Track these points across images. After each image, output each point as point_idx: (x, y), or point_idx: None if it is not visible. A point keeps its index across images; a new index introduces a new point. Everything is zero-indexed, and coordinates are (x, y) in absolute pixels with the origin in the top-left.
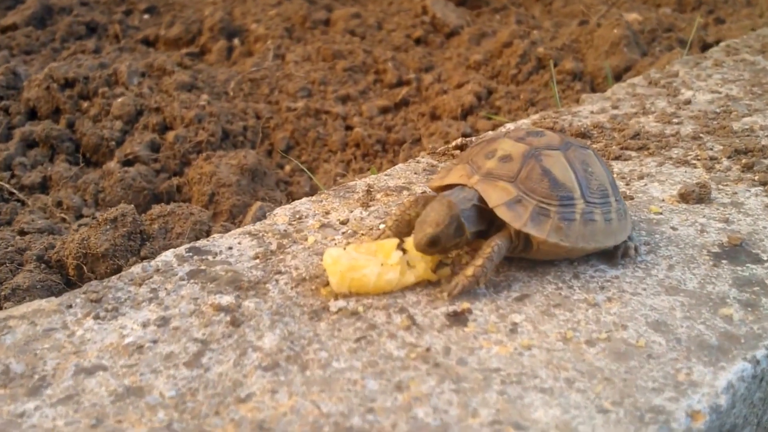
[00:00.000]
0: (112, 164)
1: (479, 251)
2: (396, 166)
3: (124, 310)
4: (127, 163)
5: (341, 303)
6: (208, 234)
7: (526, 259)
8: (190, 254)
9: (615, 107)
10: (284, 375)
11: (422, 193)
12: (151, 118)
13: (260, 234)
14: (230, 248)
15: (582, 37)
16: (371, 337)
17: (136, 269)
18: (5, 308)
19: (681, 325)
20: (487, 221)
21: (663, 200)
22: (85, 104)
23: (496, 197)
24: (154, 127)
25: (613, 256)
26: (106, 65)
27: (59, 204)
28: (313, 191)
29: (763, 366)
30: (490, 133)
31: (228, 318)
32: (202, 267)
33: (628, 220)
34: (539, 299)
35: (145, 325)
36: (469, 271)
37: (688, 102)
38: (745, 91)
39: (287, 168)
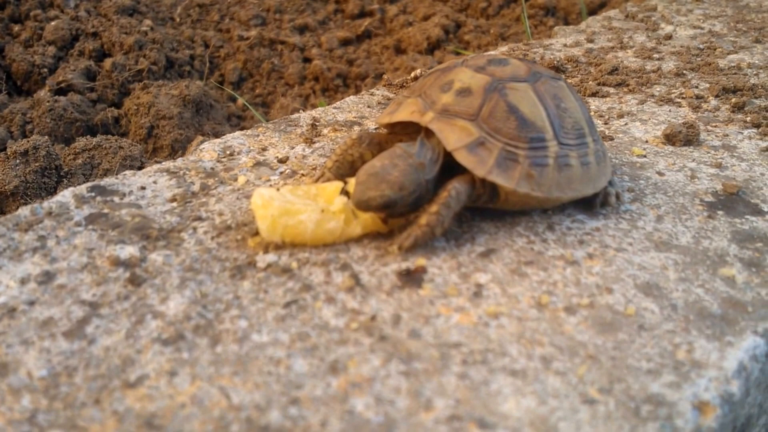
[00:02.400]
0: (42, 93)
1: (435, 197)
2: (347, 98)
3: (2, 262)
4: (60, 92)
5: (271, 257)
6: (140, 170)
7: (492, 209)
8: (93, 194)
9: (590, 41)
10: (188, 351)
11: (367, 129)
12: (88, 44)
13: (181, 172)
14: (143, 188)
15: None
16: (304, 300)
17: (25, 211)
18: None
19: (676, 288)
20: (445, 169)
21: (646, 141)
22: (16, 28)
23: (455, 139)
24: (91, 53)
25: (592, 204)
26: None
27: None
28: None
29: None
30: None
31: (127, 275)
32: (105, 210)
33: (607, 163)
34: (508, 255)
35: (23, 281)
36: (423, 219)
37: (669, 37)
38: (729, 27)
39: (239, 101)
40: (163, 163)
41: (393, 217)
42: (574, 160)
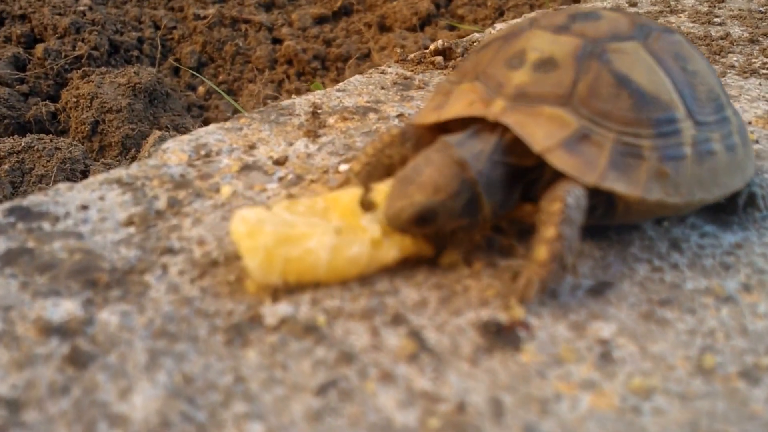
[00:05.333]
0: None
1: (541, 215)
2: (352, 78)
3: None
4: None
5: (285, 308)
6: (85, 175)
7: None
8: (11, 219)
9: (632, 4)
10: None
11: (410, 121)
12: (15, 28)
13: (139, 182)
14: (85, 207)
15: None
16: (347, 381)
17: None
18: None
19: None
20: (522, 181)
21: (749, 123)
22: None
23: (544, 134)
24: (19, 38)
25: (732, 207)
26: None
27: None
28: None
29: None
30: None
31: (64, 350)
32: (29, 244)
33: (749, 143)
34: (631, 291)
35: None
36: (541, 252)
37: (721, 0)
38: None
39: (201, 90)
40: (113, 170)
41: (442, 233)
42: (718, 144)
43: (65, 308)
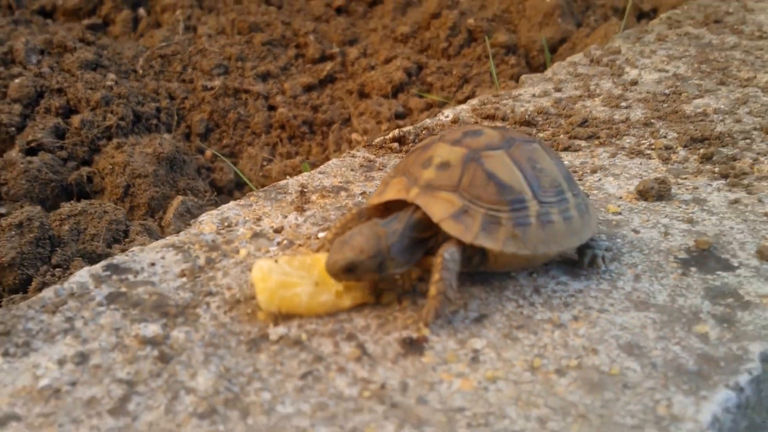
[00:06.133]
0: (13, 153)
1: (431, 266)
2: (330, 162)
3: (37, 345)
4: (30, 151)
5: (281, 330)
6: (126, 234)
7: (481, 273)
8: (108, 273)
9: (558, 89)
10: (223, 423)
11: (363, 205)
12: (54, 101)
13: (185, 246)
14: (153, 264)
15: (513, 7)
16: (318, 372)
17: (48, 293)
18: None
19: (655, 346)
20: (430, 238)
21: (620, 197)
22: None
23: (440, 210)
24: (58, 110)
25: (579, 264)
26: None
27: None
28: (237, 179)
29: (747, 393)
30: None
31: (155, 352)
32: (123, 289)
33: (591, 214)
34: (500, 320)
35: (61, 362)
36: (432, 290)
37: (634, 83)
38: (693, 69)
39: (208, 153)
40: (168, 238)
41: (359, 280)
42: (556, 215)
43: (152, 329)
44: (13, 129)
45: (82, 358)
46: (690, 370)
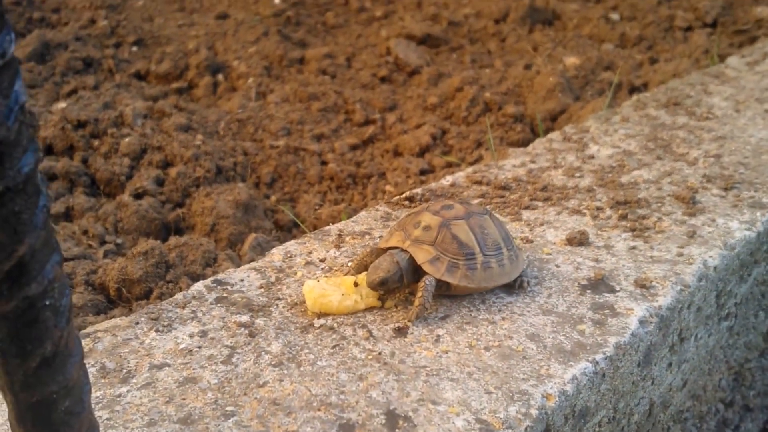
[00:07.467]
0: (125, 197)
1: (416, 288)
2: (359, 214)
3: (176, 326)
4: (137, 195)
5: (322, 321)
6: (215, 260)
7: (447, 295)
8: (215, 285)
9: (533, 162)
10: (287, 370)
11: (375, 245)
12: (155, 156)
13: (262, 269)
14: (242, 280)
15: (524, 83)
16: (342, 345)
17: (179, 296)
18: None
19: (548, 336)
20: (418, 271)
21: (554, 243)
22: (96, 142)
23: (422, 256)
24: (158, 163)
25: (511, 288)
26: (109, 105)
27: (85, 232)
28: (295, 220)
29: (601, 365)
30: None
31: (246, 331)
32: (224, 294)
33: (519, 261)
34: (456, 318)
35: (191, 336)
36: (416, 302)
37: (592, 157)
38: (641, 145)
39: (273, 199)
40: (249, 263)
41: (388, 290)
42: (494, 263)
43: (243, 318)
44: (123, 178)
45: (203, 333)
46: (567, 351)
